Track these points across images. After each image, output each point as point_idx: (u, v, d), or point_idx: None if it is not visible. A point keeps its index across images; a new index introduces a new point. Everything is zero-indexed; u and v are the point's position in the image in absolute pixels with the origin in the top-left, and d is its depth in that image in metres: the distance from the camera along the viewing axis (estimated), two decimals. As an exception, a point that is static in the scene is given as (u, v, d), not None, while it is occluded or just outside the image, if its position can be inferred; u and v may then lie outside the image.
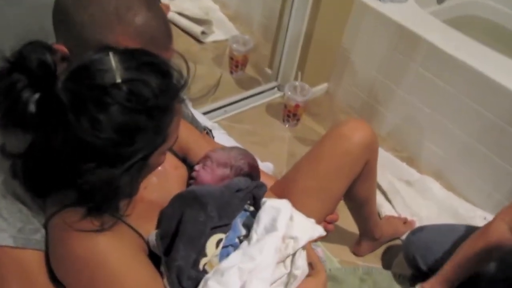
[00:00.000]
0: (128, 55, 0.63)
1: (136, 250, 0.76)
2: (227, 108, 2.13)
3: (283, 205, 0.90)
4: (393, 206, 1.77)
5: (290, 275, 0.89)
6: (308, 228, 0.91)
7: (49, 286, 0.73)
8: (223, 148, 1.01)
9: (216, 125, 1.83)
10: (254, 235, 0.86)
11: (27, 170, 0.68)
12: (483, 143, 1.75)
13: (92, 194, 0.64)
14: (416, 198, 1.84)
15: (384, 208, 1.74)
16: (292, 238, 0.88)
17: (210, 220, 0.83)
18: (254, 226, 0.88)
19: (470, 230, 1.37)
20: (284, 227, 0.86)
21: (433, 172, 1.96)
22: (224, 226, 0.86)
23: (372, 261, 1.59)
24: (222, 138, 1.68)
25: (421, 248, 1.41)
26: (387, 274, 1.52)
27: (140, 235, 0.79)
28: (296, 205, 1.09)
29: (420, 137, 1.98)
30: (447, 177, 1.93)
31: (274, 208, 0.88)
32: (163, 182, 0.91)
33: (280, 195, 1.14)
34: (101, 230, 0.68)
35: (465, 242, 1.28)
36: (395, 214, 1.73)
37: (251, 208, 0.94)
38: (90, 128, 0.58)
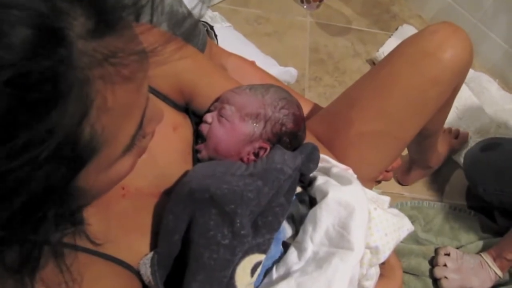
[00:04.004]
0: None
1: None
2: (228, -14, 1.64)
3: (357, 196, 0.55)
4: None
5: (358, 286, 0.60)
6: (392, 228, 0.58)
7: None
8: (252, 86, 0.62)
9: (217, 14, 1.38)
10: (309, 245, 0.55)
11: None
12: None
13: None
14: (469, 101, 1.48)
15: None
16: (369, 248, 0.56)
17: (240, 242, 0.49)
18: (308, 227, 0.56)
19: None
20: (363, 241, 0.52)
21: (489, 68, 1.61)
22: (263, 243, 0.52)
23: (419, 191, 1.29)
24: (228, 35, 1.25)
25: (490, 171, 1.09)
26: (440, 206, 1.23)
27: (127, 265, 0.51)
28: (351, 155, 0.76)
29: (479, 22, 1.58)
30: (508, 74, 1.56)
31: (342, 206, 0.54)
32: (156, 155, 0.57)
33: (326, 140, 0.79)
34: None
35: None
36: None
37: (297, 189, 0.60)
38: None
